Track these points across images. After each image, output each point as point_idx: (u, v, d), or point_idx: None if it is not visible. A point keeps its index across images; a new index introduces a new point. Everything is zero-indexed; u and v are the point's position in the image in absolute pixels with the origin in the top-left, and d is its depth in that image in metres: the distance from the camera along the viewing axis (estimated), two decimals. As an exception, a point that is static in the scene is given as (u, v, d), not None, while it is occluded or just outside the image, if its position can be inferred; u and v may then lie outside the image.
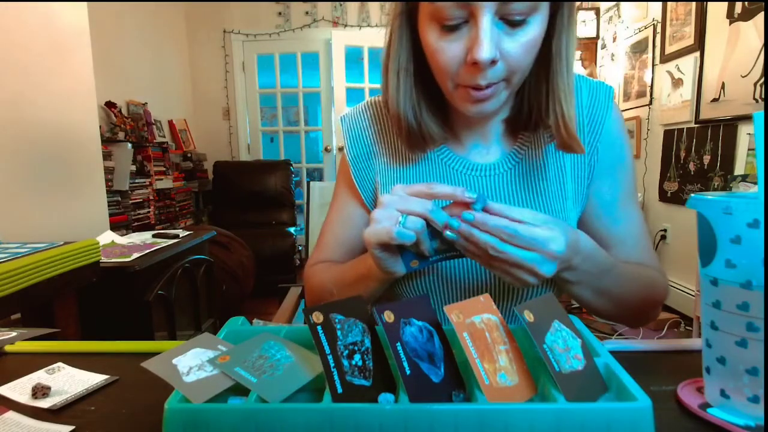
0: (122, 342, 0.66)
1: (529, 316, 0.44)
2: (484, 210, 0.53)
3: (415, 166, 0.75)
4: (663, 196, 3.13)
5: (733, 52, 2.43)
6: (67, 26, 2.10)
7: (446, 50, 0.58)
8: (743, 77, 2.34)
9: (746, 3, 2.32)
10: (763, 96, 2.21)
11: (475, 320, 0.45)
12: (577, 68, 3.91)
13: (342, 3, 4.35)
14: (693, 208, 0.44)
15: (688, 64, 2.80)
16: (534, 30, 0.57)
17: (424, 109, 0.69)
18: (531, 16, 0.56)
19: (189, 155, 4.06)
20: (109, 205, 2.44)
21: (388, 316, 0.44)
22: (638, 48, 3.43)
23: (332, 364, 0.42)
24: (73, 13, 2.12)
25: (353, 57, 4.30)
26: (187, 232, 2.23)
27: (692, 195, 0.44)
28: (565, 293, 0.67)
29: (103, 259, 1.59)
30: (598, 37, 4.03)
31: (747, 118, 2.35)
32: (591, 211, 0.73)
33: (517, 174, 0.72)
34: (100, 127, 2.33)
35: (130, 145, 2.95)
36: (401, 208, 0.53)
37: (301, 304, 1.36)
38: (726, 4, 2.46)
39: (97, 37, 2.40)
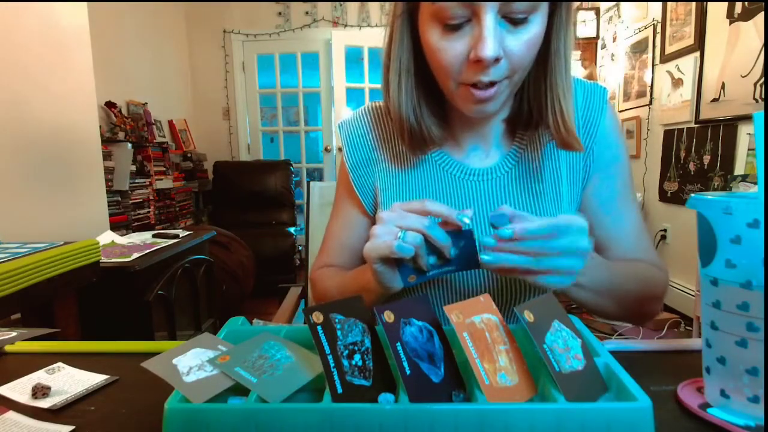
0: (122, 342, 0.66)
1: (529, 316, 0.44)
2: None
3: (414, 171, 0.75)
4: (663, 196, 3.13)
5: (733, 52, 2.43)
6: (67, 26, 2.10)
7: (449, 49, 0.58)
8: (743, 77, 2.34)
9: (746, 3, 2.32)
10: (763, 96, 2.21)
11: (475, 320, 0.45)
12: (577, 68, 3.91)
13: (342, 3, 4.35)
14: (693, 208, 0.44)
15: (688, 64, 2.80)
16: (535, 28, 0.58)
17: (425, 110, 0.69)
18: (532, 14, 0.57)
19: (189, 155, 4.06)
20: (109, 205, 2.44)
21: (388, 316, 0.44)
22: (638, 48, 3.43)
23: (332, 364, 0.42)
24: (73, 13, 2.12)
25: (353, 57, 4.30)
26: (187, 232, 2.23)
27: (692, 195, 0.44)
28: (564, 295, 0.67)
29: (103, 259, 1.59)
30: (598, 37, 4.03)
31: (747, 118, 2.35)
32: (589, 211, 0.74)
33: (513, 177, 0.72)
34: (100, 127, 2.33)
35: (130, 145, 2.95)
36: (400, 224, 0.54)
37: (301, 304, 1.36)
38: (726, 4, 2.46)
39: (97, 37, 2.40)
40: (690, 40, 2.78)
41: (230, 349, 0.48)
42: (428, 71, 0.66)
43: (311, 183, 1.49)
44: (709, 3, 2.61)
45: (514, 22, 0.56)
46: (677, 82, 2.92)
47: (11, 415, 0.48)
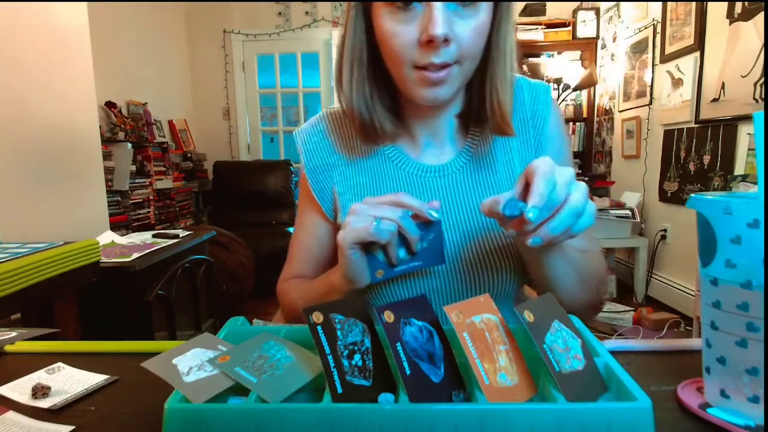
0: (122, 342, 0.66)
1: (529, 316, 0.44)
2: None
3: (371, 172, 0.76)
4: (663, 196, 3.13)
5: (733, 52, 2.43)
6: (67, 26, 2.10)
7: (401, 33, 0.61)
8: (743, 77, 2.34)
9: (746, 3, 2.32)
10: (763, 96, 2.21)
11: (475, 320, 0.45)
12: (577, 68, 3.91)
13: (342, 3, 4.35)
14: (693, 208, 0.44)
15: (688, 64, 2.80)
16: (482, 15, 0.61)
17: (377, 103, 0.71)
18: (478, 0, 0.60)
19: (189, 155, 4.06)
20: (109, 205, 2.44)
21: (388, 316, 0.44)
22: (638, 48, 3.43)
23: (332, 364, 0.42)
24: (73, 12, 2.12)
25: (353, 57, 4.30)
26: (187, 232, 2.23)
27: (692, 195, 0.44)
28: (540, 275, 0.66)
29: (103, 259, 1.59)
30: (598, 37, 4.03)
31: (747, 118, 2.36)
32: None
33: (468, 172, 0.74)
34: (100, 127, 2.33)
35: (130, 145, 2.95)
36: (374, 213, 0.56)
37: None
38: (726, 4, 2.46)
39: (97, 37, 2.40)
40: (690, 40, 2.78)
41: (230, 349, 0.48)
42: (381, 66, 0.68)
43: (311, 183, 1.49)
44: (709, 3, 2.61)
45: (463, 6, 0.60)
46: (677, 82, 2.92)
47: (11, 415, 0.48)
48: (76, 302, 1.44)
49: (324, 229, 0.80)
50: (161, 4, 4.02)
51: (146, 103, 3.62)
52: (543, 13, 4.08)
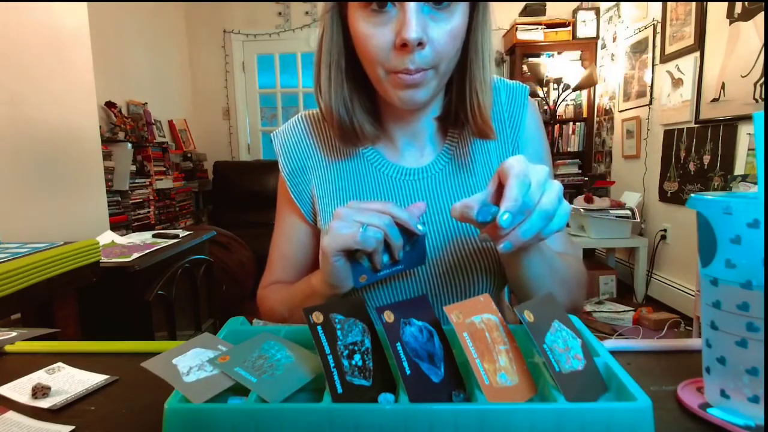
0: (122, 342, 0.66)
1: (529, 316, 0.44)
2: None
3: (350, 174, 0.75)
4: (663, 196, 3.13)
5: (733, 52, 2.43)
6: (67, 26, 2.10)
7: (376, 36, 0.60)
8: (743, 77, 2.34)
9: (746, 3, 2.32)
10: (763, 96, 2.21)
11: (475, 320, 0.45)
12: (577, 68, 3.91)
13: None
14: (693, 208, 0.44)
15: (688, 64, 2.80)
16: (457, 18, 0.61)
17: (357, 105, 0.70)
18: (453, 2, 0.60)
19: (189, 155, 4.06)
20: (109, 205, 2.44)
21: (388, 316, 0.44)
22: (638, 48, 3.43)
23: (332, 364, 0.42)
24: (73, 13, 2.12)
25: (353, 57, 4.30)
26: (187, 232, 2.23)
27: (692, 195, 0.44)
28: (518, 276, 0.65)
29: (103, 259, 1.59)
30: (598, 37, 4.03)
31: (747, 118, 2.36)
32: None
33: (447, 174, 0.74)
34: (100, 127, 2.33)
35: (130, 145, 2.95)
36: (360, 219, 0.55)
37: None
38: (726, 4, 2.46)
39: (97, 37, 2.40)
40: (690, 40, 2.78)
41: (230, 349, 0.48)
42: (359, 69, 0.67)
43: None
44: (709, 3, 2.61)
45: (437, 9, 0.59)
46: (677, 82, 2.92)
47: (11, 415, 0.48)
48: (76, 302, 1.44)
49: (304, 233, 0.80)
50: (161, 4, 4.02)
51: (146, 103, 3.62)
52: (543, 13, 4.08)
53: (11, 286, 1.11)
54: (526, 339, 0.46)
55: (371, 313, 0.47)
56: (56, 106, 2.01)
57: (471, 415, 0.37)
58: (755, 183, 1.70)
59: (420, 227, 0.57)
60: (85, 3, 2.18)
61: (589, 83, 3.79)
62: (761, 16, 2.22)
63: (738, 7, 2.38)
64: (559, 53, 4.04)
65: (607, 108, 3.95)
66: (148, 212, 3.27)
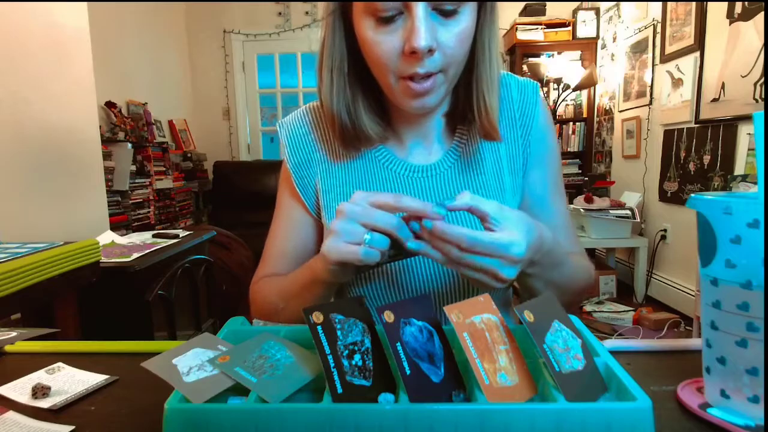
0: (122, 342, 0.66)
1: (529, 316, 0.44)
2: (449, 208, 0.52)
3: (357, 170, 0.74)
4: (663, 196, 3.13)
5: (733, 52, 2.43)
6: (67, 26, 2.10)
7: (383, 42, 0.59)
8: (743, 77, 2.34)
9: (746, 3, 2.32)
10: (763, 96, 2.21)
11: (475, 320, 0.45)
12: (577, 68, 3.91)
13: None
14: (693, 208, 0.44)
15: (688, 64, 2.80)
16: (465, 21, 0.59)
17: (362, 108, 0.69)
18: (461, 6, 0.58)
19: (189, 155, 4.06)
20: (109, 205, 2.44)
21: (388, 316, 0.44)
22: (638, 48, 3.43)
23: (332, 364, 0.42)
24: (73, 13, 2.12)
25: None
26: (187, 232, 2.23)
27: (692, 195, 0.44)
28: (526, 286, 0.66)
29: (103, 259, 1.59)
30: (598, 37, 4.03)
31: (747, 118, 2.35)
32: (524, 203, 0.75)
33: (456, 171, 0.73)
34: (100, 127, 2.33)
35: (130, 145, 2.95)
36: (366, 222, 0.52)
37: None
38: (726, 4, 2.46)
39: (97, 37, 2.40)
40: (690, 40, 2.78)
41: (230, 349, 0.48)
42: (364, 69, 0.66)
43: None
44: (709, 3, 2.61)
45: (445, 14, 0.58)
46: (677, 82, 2.92)
47: (11, 415, 0.48)
48: (76, 302, 1.44)
49: (308, 226, 0.78)
50: (161, 4, 4.02)
51: (146, 103, 3.62)
52: (543, 13, 4.08)
53: (11, 286, 1.11)
54: (526, 339, 0.46)
55: (371, 313, 0.47)
56: (56, 106, 2.01)
57: (471, 415, 0.37)
58: (755, 183, 1.70)
59: (437, 212, 0.51)
60: (85, 3, 2.18)
61: (589, 83, 3.79)
62: (761, 16, 2.22)
63: (738, 7, 2.38)
64: (559, 53, 4.04)
65: (607, 108, 3.95)
66: (148, 212, 3.27)
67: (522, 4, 4.13)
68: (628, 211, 3.18)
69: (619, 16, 3.73)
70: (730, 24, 2.44)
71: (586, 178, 3.70)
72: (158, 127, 3.79)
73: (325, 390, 0.41)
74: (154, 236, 2.14)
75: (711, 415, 0.43)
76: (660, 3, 3.11)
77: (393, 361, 0.43)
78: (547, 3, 4.10)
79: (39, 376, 0.56)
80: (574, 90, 3.88)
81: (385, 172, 0.74)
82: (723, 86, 2.50)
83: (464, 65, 0.65)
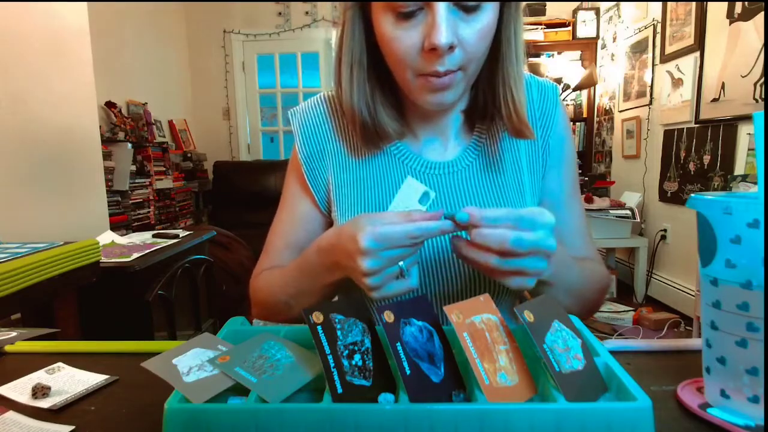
0: (122, 342, 0.66)
1: (529, 316, 0.44)
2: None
3: (372, 165, 0.72)
4: (663, 196, 3.13)
5: (733, 52, 2.43)
6: (67, 26, 2.10)
7: (403, 38, 0.58)
8: (743, 77, 2.34)
9: (746, 3, 2.32)
10: (763, 96, 2.21)
11: (475, 320, 0.45)
12: (577, 68, 3.91)
13: (342, 2, 4.34)
14: (693, 208, 0.44)
15: (688, 64, 2.80)
16: (487, 17, 0.58)
17: (380, 103, 0.68)
18: (483, 2, 0.57)
19: (189, 155, 4.06)
20: (109, 205, 2.43)
21: (388, 316, 0.44)
22: (638, 48, 3.43)
23: (332, 364, 0.42)
24: (73, 13, 2.12)
25: (353, 57, 4.30)
26: (187, 232, 2.23)
27: (692, 195, 0.44)
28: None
29: (103, 259, 1.59)
30: (598, 37, 4.03)
31: (747, 118, 2.35)
32: (541, 205, 0.74)
33: (475, 170, 0.72)
34: (100, 127, 2.33)
35: (130, 145, 2.95)
36: (393, 256, 0.51)
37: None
38: (726, 4, 2.46)
39: (97, 37, 2.40)
40: (690, 40, 2.78)
41: (230, 349, 0.48)
42: (382, 64, 0.65)
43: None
44: (709, 3, 2.60)
45: (467, 9, 0.57)
46: (677, 82, 2.92)
47: (11, 415, 0.48)
48: (76, 302, 1.44)
49: (314, 220, 0.76)
50: (161, 4, 4.02)
51: (146, 103, 3.62)
52: (543, 13, 4.08)
53: (11, 286, 1.11)
54: (526, 339, 0.46)
55: (372, 313, 0.47)
56: (56, 106, 2.01)
57: (471, 415, 0.37)
58: (755, 183, 1.70)
59: (461, 220, 0.50)
60: (85, 3, 2.18)
61: (589, 83, 3.79)
62: (761, 16, 2.22)
63: (738, 7, 2.38)
64: (559, 53, 4.04)
65: (607, 108, 3.95)
66: (148, 212, 3.27)
67: (522, 4, 4.12)
68: (628, 211, 3.18)
69: (619, 16, 3.73)
70: (730, 24, 2.44)
71: (586, 178, 3.70)
72: (158, 127, 3.79)
73: (325, 390, 0.41)
74: (154, 236, 2.14)
75: (711, 415, 0.43)
76: (660, 3, 3.11)
77: (393, 361, 0.43)
78: (547, 3, 4.10)
79: (39, 376, 0.56)
80: (574, 90, 3.88)
81: (401, 167, 0.72)
82: (723, 86, 2.50)
83: (484, 61, 0.63)
